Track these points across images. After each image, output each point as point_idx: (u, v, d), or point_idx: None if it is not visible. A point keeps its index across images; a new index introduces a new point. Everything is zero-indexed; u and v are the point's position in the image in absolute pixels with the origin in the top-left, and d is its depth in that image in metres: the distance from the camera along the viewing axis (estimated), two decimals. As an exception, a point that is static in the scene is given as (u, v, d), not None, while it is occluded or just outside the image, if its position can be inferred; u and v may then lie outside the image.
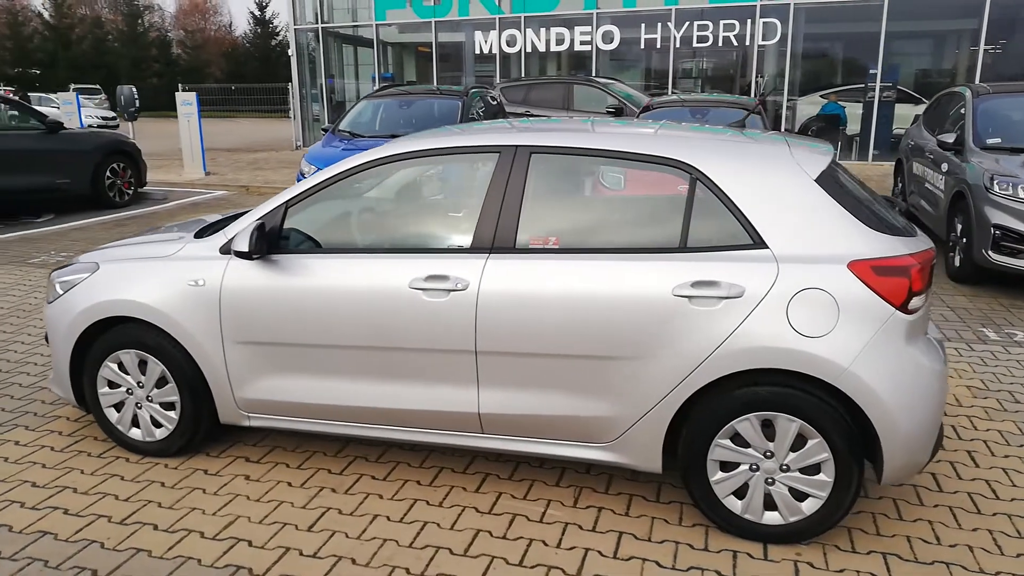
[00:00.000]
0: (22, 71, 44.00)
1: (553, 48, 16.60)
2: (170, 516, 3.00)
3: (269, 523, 2.95)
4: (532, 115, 12.64)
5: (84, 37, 46.23)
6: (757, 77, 15.16)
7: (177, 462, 3.42)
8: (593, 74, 15.79)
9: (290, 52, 19.89)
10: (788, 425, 2.68)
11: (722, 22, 15.12)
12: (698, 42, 15.41)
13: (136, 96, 14.94)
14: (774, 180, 2.77)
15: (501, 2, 16.73)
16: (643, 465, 2.90)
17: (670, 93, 14.81)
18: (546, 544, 2.82)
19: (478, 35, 17.20)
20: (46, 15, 46.57)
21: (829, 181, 2.79)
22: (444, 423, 3.06)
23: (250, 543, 2.82)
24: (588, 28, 16.15)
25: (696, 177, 2.81)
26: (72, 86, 34.55)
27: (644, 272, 2.76)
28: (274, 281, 3.12)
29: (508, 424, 2.99)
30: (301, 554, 2.76)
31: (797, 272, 2.65)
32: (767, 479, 2.76)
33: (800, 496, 2.75)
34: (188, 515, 3.00)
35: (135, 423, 3.45)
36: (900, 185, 8.79)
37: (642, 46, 15.98)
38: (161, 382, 3.35)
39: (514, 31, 16.75)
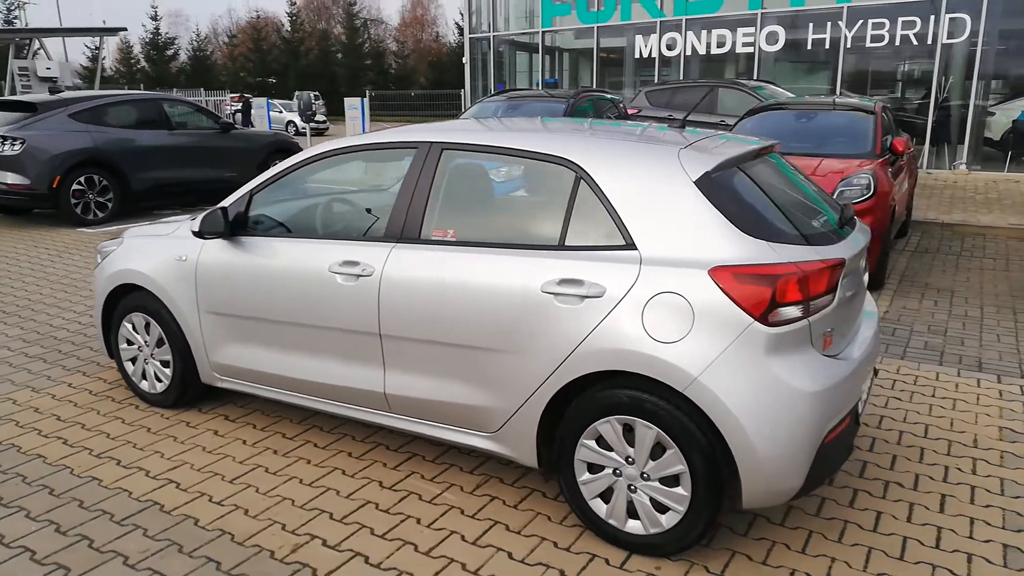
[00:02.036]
0: (261, 80, 50.04)
1: (714, 51, 16.06)
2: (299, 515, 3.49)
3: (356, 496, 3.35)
4: (673, 119, 12.38)
5: (312, 49, 51.57)
6: (940, 79, 13.64)
7: (319, 459, 3.91)
8: (755, 77, 15.09)
9: (464, 60, 20.96)
10: (646, 432, 2.60)
11: (900, 19, 13.79)
12: (872, 41, 14.17)
13: (314, 101, 16.59)
14: (651, 181, 2.68)
15: (663, 5, 16.49)
16: (521, 458, 2.93)
17: (838, 94, 13.76)
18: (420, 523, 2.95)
19: (638, 39, 17.07)
20: (285, 27, 52.46)
21: (715, 182, 2.64)
22: (359, 400, 3.29)
23: (331, 515, 3.22)
24: (751, 29, 15.45)
25: (580, 176, 2.80)
26: (296, 93, 38.80)
27: (519, 267, 2.80)
28: (234, 259, 3.51)
29: (410, 406, 3.14)
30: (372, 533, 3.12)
31: (657, 275, 2.57)
32: (630, 486, 2.69)
33: (661, 508, 2.65)
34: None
35: (144, 376, 4.03)
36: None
37: (809, 47, 14.99)
38: (160, 342, 3.89)
39: (675, 34, 16.44)
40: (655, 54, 16.80)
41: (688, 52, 16.33)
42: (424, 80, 50.42)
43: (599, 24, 17.62)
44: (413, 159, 3.16)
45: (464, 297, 2.89)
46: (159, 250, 3.79)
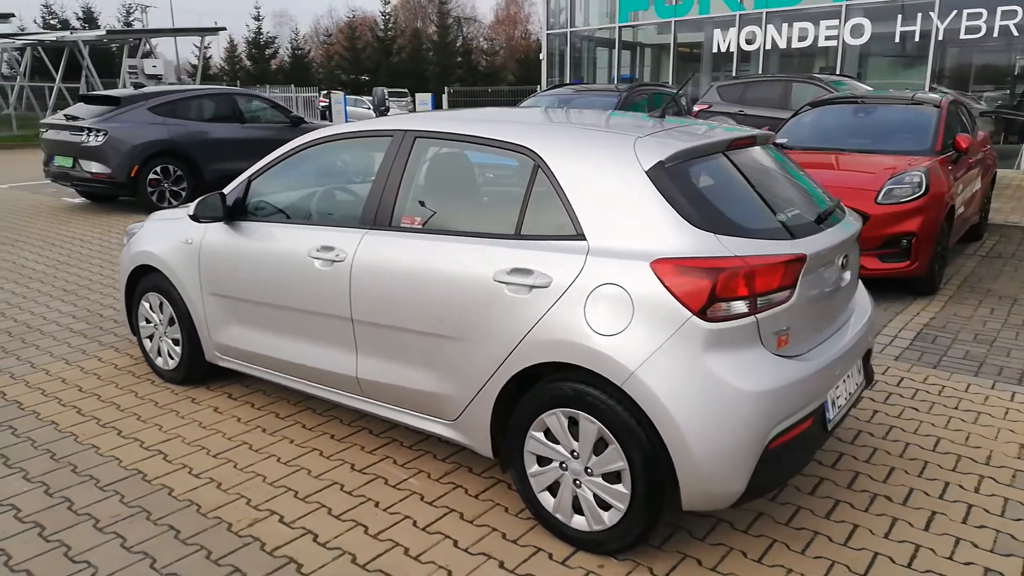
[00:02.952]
0: (354, 77, 51.55)
1: (795, 44, 15.46)
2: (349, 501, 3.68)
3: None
4: (745, 115, 12.02)
5: (404, 48, 52.69)
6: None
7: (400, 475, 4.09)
8: (838, 72, 14.42)
9: (541, 56, 20.96)
10: (589, 426, 2.54)
11: (1000, 8, 12.86)
12: (967, 33, 13.28)
13: (387, 96, 16.98)
14: (603, 170, 2.62)
15: (743, -2, 16.00)
16: (478, 447, 2.92)
17: (926, 90, 12.97)
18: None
19: (717, 33, 16.62)
20: (379, 27, 53.88)
21: (668, 172, 2.55)
22: (336, 383, 3.35)
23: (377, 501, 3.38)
24: (835, 22, 14.77)
25: (538, 164, 2.76)
26: (387, 91, 39.79)
27: (475, 256, 2.79)
28: (230, 243, 3.65)
29: (379, 391, 3.19)
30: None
31: (602, 266, 2.50)
32: (575, 480, 2.64)
33: (604, 504, 2.59)
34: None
35: (159, 353, 4.24)
36: None
37: (896, 40, 14.20)
38: (171, 321, 4.08)
39: (754, 28, 15.91)
40: (733, 48, 16.32)
41: (768, 46, 15.78)
42: (512, 77, 50.69)
43: (677, 18, 17.26)
44: (388, 146, 3.20)
45: (425, 285, 2.90)
46: (171, 233, 3.98)
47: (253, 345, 3.66)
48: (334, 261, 3.19)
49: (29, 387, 4.16)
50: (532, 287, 2.62)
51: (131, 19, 49.96)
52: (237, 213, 3.67)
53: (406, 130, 3.18)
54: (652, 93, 9.70)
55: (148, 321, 4.25)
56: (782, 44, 15.60)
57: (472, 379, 2.82)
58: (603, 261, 2.51)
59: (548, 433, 2.67)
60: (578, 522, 2.66)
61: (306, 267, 3.29)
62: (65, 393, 4.08)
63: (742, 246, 2.42)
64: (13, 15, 22.90)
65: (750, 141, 2.99)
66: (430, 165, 3.14)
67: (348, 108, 18.34)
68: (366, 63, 52.51)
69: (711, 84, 13.22)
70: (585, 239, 2.58)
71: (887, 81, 14.18)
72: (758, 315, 2.40)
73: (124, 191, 9.86)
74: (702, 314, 2.34)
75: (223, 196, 3.62)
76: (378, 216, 3.14)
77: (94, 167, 9.59)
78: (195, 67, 48.19)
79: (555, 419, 2.62)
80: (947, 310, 5.59)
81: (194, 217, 3.63)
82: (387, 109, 17.49)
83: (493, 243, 2.78)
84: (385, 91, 17.44)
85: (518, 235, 2.75)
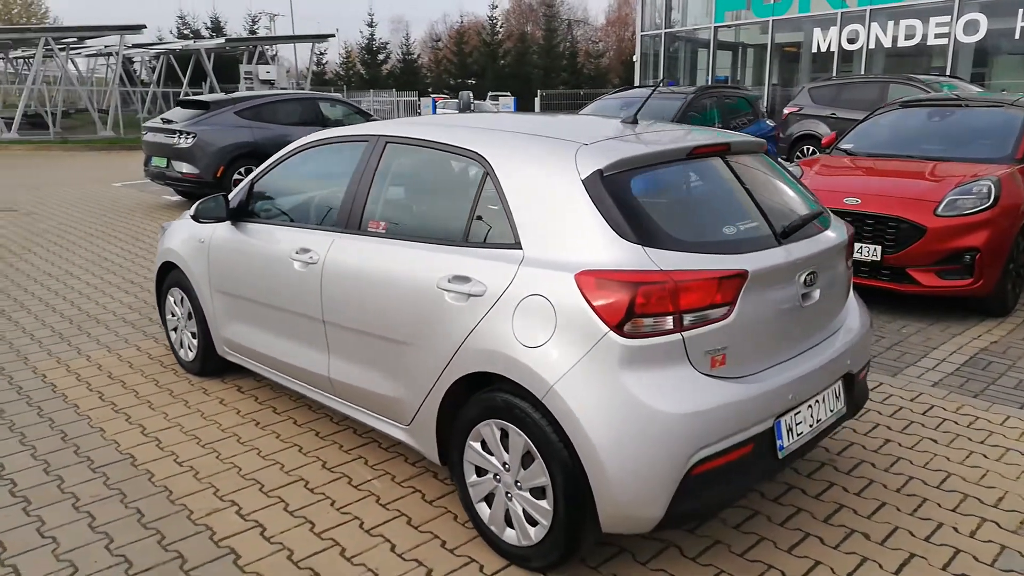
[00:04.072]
0: (461, 81, 52.57)
1: (901, 43, 14.52)
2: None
3: (188, 434, 3.68)
4: (837, 117, 11.42)
5: (510, 51, 53.26)
6: None
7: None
8: (948, 72, 13.45)
9: (634, 58, 20.66)
10: (517, 439, 2.49)
11: None
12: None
13: (472, 99, 17.20)
14: (542, 178, 2.56)
15: (846, -5, 15.18)
16: (427, 453, 2.92)
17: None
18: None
19: (816, 32, 15.86)
20: (487, 31, 54.72)
21: (606, 182, 2.44)
22: (314, 382, 3.44)
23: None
24: (946, 18, 13.76)
25: (486, 170, 2.73)
26: (490, 94, 40.33)
27: (424, 262, 2.79)
28: (232, 243, 3.81)
29: (348, 392, 3.24)
30: (176, 459, 3.42)
31: (531, 276, 2.45)
32: (507, 493, 2.59)
33: (531, 520, 2.53)
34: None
35: (181, 345, 4.48)
36: None
37: (1017, 36, 13.07)
38: (190, 316, 4.31)
39: (857, 26, 15.06)
40: (834, 48, 15.52)
41: (871, 45, 14.91)
42: (617, 79, 50.24)
43: (775, 17, 16.60)
44: (363, 151, 3.25)
45: (381, 289, 2.94)
46: (189, 232, 4.20)
47: (250, 342, 3.81)
48: (308, 263, 3.27)
49: (68, 371, 4.49)
50: (469, 295, 2.60)
51: (256, 27, 52.97)
52: (241, 214, 3.83)
53: (379, 135, 3.22)
54: (719, 96, 9.35)
55: (173, 315, 4.50)
56: (887, 43, 14.69)
57: (420, 385, 2.82)
58: (533, 271, 2.45)
59: (484, 444, 2.64)
60: (509, 535, 2.61)
61: (288, 268, 3.39)
62: (96, 379, 4.39)
63: (673, 260, 2.31)
64: (144, 26, 24.75)
65: (722, 148, 2.83)
66: (396, 170, 3.17)
67: (437, 111, 18.73)
68: (473, 67, 53.44)
69: (803, 86, 12.63)
70: (521, 248, 2.53)
71: (1014, 82, 13.06)
72: (684, 333, 2.28)
73: (211, 191, 10.47)
74: (619, 329, 2.24)
75: (226, 198, 3.79)
76: (349, 219, 3.19)
77: (184, 167, 10.25)
78: (313, 73, 50.60)
79: (489, 430, 2.59)
80: (1014, 335, 5.10)
81: (195, 217, 3.81)
82: (472, 111, 17.75)
83: (441, 249, 2.78)
84: (470, 95, 17.71)
85: (464, 242, 2.73)
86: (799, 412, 2.59)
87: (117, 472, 3.30)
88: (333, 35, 29.66)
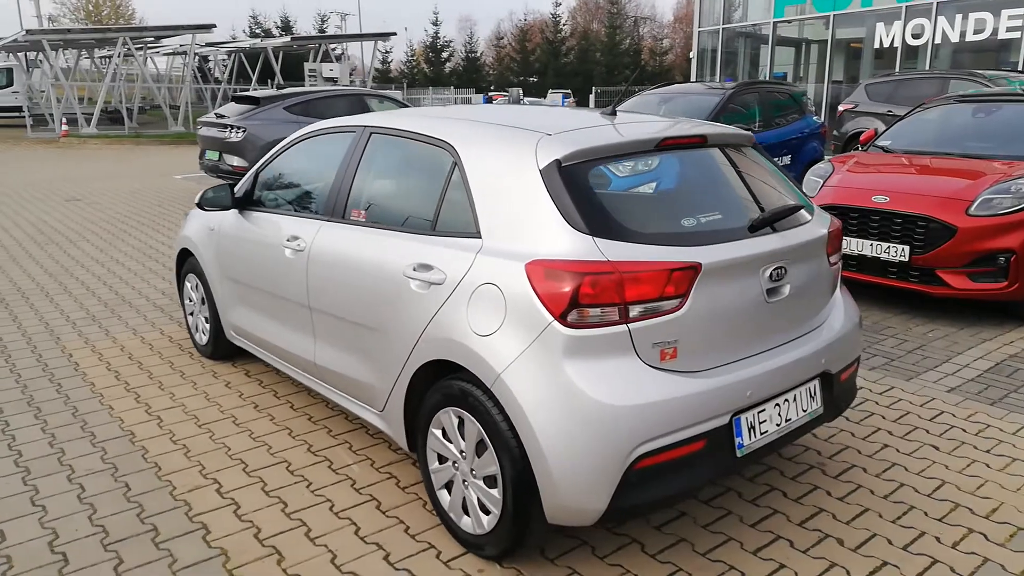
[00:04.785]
0: (523, 79, 52.69)
1: (969, 37, 13.87)
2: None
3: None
4: (893, 115, 10.99)
5: (572, 49, 53.11)
6: None
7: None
8: (1022, 67, 12.79)
9: (691, 55, 20.32)
10: (472, 427, 2.50)
11: None
12: None
13: (522, 96, 17.21)
14: (503, 167, 2.55)
15: (911, -12, 14.58)
16: (397, 439, 2.96)
17: None
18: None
19: (879, 27, 15.28)
20: (550, 28, 54.67)
21: (564, 172, 2.42)
22: (303, 367, 3.52)
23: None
24: (1020, 11, 13.07)
25: (455, 159, 2.74)
26: (550, 91, 40.35)
27: (395, 250, 2.83)
28: (236, 231, 3.93)
29: (331, 377, 3.30)
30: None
31: (486, 265, 2.45)
32: (463, 480, 2.61)
33: (485, 508, 2.53)
34: (161, 395, 4.06)
35: (197, 329, 4.65)
36: None
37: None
38: (203, 301, 4.46)
39: (922, 20, 14.45)
40: (897, 43, 14.93)
41: (937, 40, 14.27)
42: (680, 76, 49.46)
43: (836, 12, 16.06)
44: (350, 141, 3.31)
45: (356, 276, 2.99)
46: (202, 220, 4.35)
47: (251, 327, 3.92)
48: (297, 250, 3.35)
49: (93, 352, 4.72)
50: (431, 283, 2.62)
51: (325, 26, 54.25)
52: (246, 203, 3.94)
53: (366, 126, 3.27)
54: (763, 92, 9.07)
55: (190, 300, 4.67)
56: (954, 38, 14.05)
57: (390, 372, 2.86)
58: (489, 260, 2.46)
59: (444, 431, 2.66)
60: (466, 523, 2.62)
61: (280, 255, 3.48)
62: (116, 359, 4.59)
63: (622, 251, 2.27)
64: (214, 25, 25.66)
65: (697, 140, 2.77)
66: (378, 160, 3.21)
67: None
68: (535, 65, 53.49)
69: (860, 82, 12.21)
70: (480, 237, 2.54)
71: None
72: (631, 325, 2.25)
73: (260, 183, 10.79)
74: (563, 319, 2.23)
75: (231, 187, 3.91)
76: (335, 208, 3.26)
77: (235, 161, 10.56)
78: (377, 71, 51.48)
79: (448, 417, 2.61)
80: (1051, 341, 4.83)
81: (199, 205, 3.94)
82: (522, 109, 17.81)
83: (410, 237, 2.81)
84: (520, 91, 17.74)
85: (432, 230, 2.76)
86: (763, 410, 2.52)
87: (115, 447, 3.45)
88: (395, 33, 30.15)
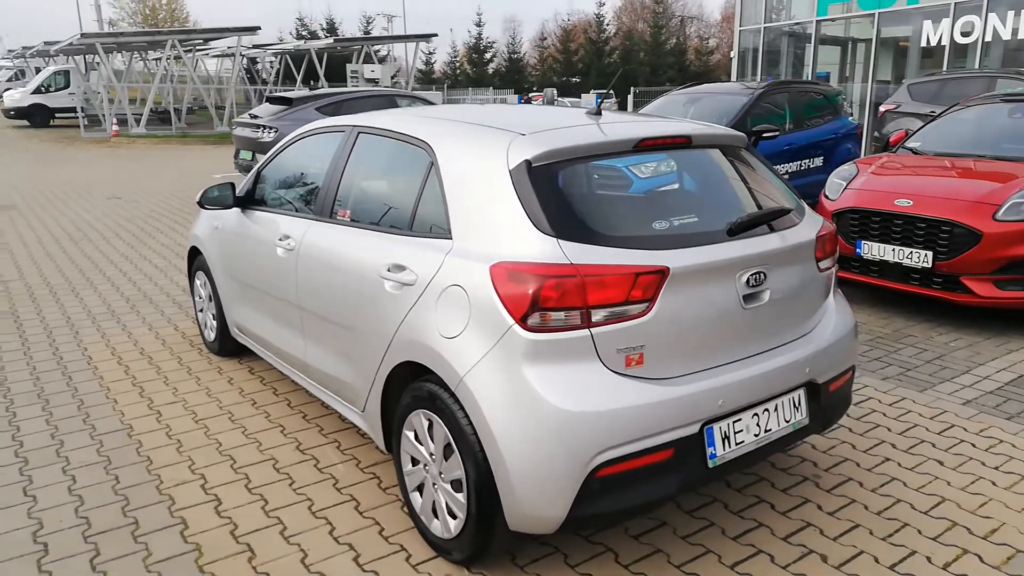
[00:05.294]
0: (565, 79, 52.53)
1: (1023, 35, 13.31)
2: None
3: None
4: (935, 114, 10.63)
5: (615, 49, 52.75)
6: None
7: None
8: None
9: (732, 55, 19.97)
10: (439, 430, 2.48)
11: None
12: None
13: (556, 96, 17.11)
14: (474, 167, 2.52)
15: (961, -16, 14.07)
16: (376, 439, 2.95)
17: None
18: (293, 484, 3.11)
19: (926, 25, 14.78)
20: (593, 29, 54.38)
21: (534, 173, 2.37)
22: (296, 365, 3.54)
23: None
24: (1077, 7, 12.51)
25: (432, 159, 2.72)
26: (592, 91, 40.15)
27: (373, 250, 2.82)
28: (237, 229, 3.98)
29: (320, 376, 3.32)
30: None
31: (454, 266, 2.42)
32: (433, 483, 2.58)
33: (452, 512, 2.51)
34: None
35: (205, 325, 4.72)
36: None
37: None
38: (210, 298, 4.53)
39: (972, 17, 13.93)
40: (945, 41, 14.42)
41: (988, 38, 13.75)
42: (724, 76, 48.71)
43: (881, 10, 15.60)
44: (340, 141, 3.31)
45: (339, 276, 2.99)
46: (208, 219, 4.42)
47: (251, 324, 3.97)
48: (287, 250, 3.37)
49: (107, 346, 4.83)
50: (403, 284, 2.60)
51: (370, 28, 54.85)
52: (247, 202, 3.99)
53: (354, 126, 3.27)
54: (797, 92, 8.82)
55: (199, 297, 4.74)
56: (1006, 35, 13.52)
57: (368, 372, 2.86)
58: (458, 261, 2.43)
59: (416, 433, 2.64)
60: (436, 526, 2.60)
61: (273, 253, 3.51)
62: (128, 354, 4.69)
63: (588, 254, 2.22)
64: (259, 28, 26.18)
65: (681, 141, 2.69)
66: (363, 160, 3.20)
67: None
68: (578, 65, 53.27)
69: (903, 82, 11.84)
70: (451, 237, 2.51)
71: None
72: (593, 329, 2.19)
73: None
74: (524, 323, 2.18)
75: (232, 185, 3.96)
76: (323, 207, 3.27)
77: (267, 160, 10.75)
78: (421, 71, 51.88)
79: (419, 419, 2.59)
80: (1082, 353, 4.59)
81: (200, 203, 4.00)
82: (556, 109, 17.74)
83: (387, 238, 2.80)
84: (554, 92, 17.67)
85: (408, 230, 2.74)
86: (739, 420, 2.44)
87: (112, 440, 3.51)
88: (435, 35, 30.33)
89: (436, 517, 2.59)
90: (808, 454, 3.36)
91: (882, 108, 11.95)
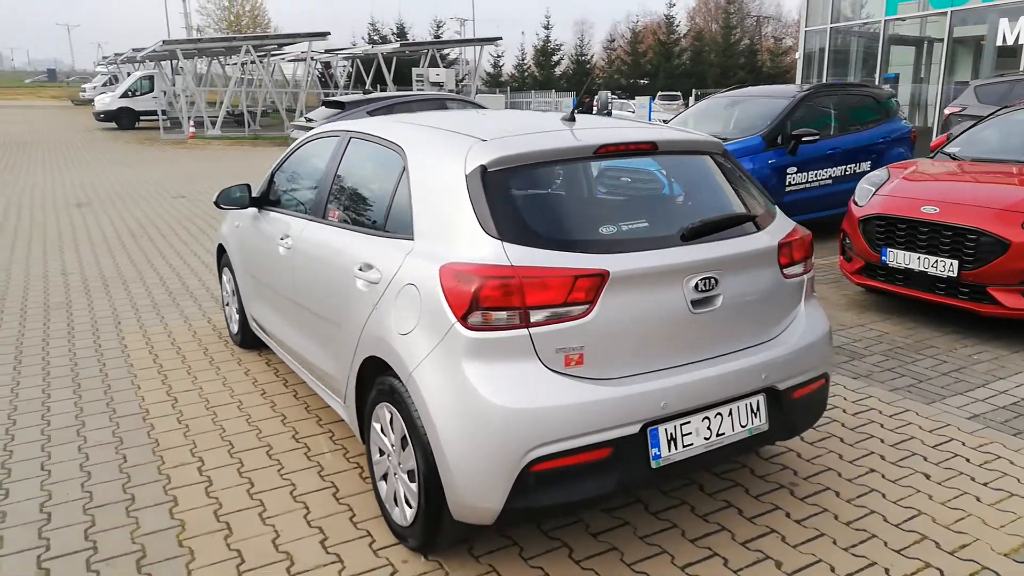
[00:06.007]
0: (633, 81, 52.11)
1: (1108, 32, 12.57)
2: (179, 376, 4.42)
3: (202, 397, 4.12)
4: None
5: (685, 50, 52.01)
6: None
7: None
8: None
9: (796, 55, 19.47)
10: (398, 422, 2.60)
11: None
12: None
13: (611, 99, 17.05)
14: (436, 171, 2.63)
15: (1040, -21, 13.38)
16: (354, 430, 3.09)
17: None
18: (282, 470, 3.29)
19: (1003, 23, 14.11)
20: (668, 28, 53.76)
21: (488, 177, 2.45)
22: (296, 358, 3.72)
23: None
24: None
25: (404, 162, 2.84)
26: (659, 93, 39.72)
27: (350, 249, 2.96)
28: (252, 228, 4.21)
29: (312, 368, 3.48)
30: (180, 417, 3.86)
31: (411, 266, 2.54)
32: (394, 473, 2.70)
33: (408, 502, 2.62)
34: (185, 379, 4.39)
35: (231, 319, 4.98)
36: None
37: None
38: (234, 293, 4.78)
39: (1052, 15, 13.24)
40: (1023, 40, 13.74)
41: (1070, 36, 13.04)
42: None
43: (954, 8, 14.96)
44: (335, 145, 3.48)
45: (324, 273, 3.16)
46: (232, 218, 4.67)
47: (262, 318, 4.19)
48: (287, 248, 3.56)
49: (143, 337, 5.15)
50: (370, 282, 2.74)
51: (440, 32, 55.67)
52: (263, 202, 4.21)
53: (347, 131, 3.43)
54: (844, 95, 8.57)
55: (226, 291, 5.01)
56: (1088, 33, 12.78)
57: (345, 366, 3.00)
58: (415, 261, 2.54)
59: (381, 426, 2.76)
60: (396, 514, 2.72)
61: (276, 251, 3.70)
62: (160, 344, 4.99)
63: (530, 257, 2.30)
64: (328, 33, 27.00)
65: (645, 147, 2.73)
66: (353, 163, 3.35)
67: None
68: (647, 67, 52.76)
69: (970, 83, 11.36)
70: (413, 239, 2.63)
71: None
72: (532, 329, 2.27)
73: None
74: (464, 321, 2.28)
75: (248, 187, 4.18)
76: (317, 208, 3.44)
77: (320, 162, 11.14)
78: (488, 74, 52.34)
79: (383, 411, 2.71)
80: (1115, 369, 4.37)
81: (216, 203, 4.23)
82: (609, 112, 17.63)
83: (362, 237, 2.94)
84: (608, 94, 17.61)
85: (382, 231, 2.87)
86: (688, 423, 2.47)
87: (128, 423, 3.77)
88: (500, 38, 30.61)
89: (396, 505, 2.71)
90: (791, 462, 3.33)
91: (947, 111, 11.49)
